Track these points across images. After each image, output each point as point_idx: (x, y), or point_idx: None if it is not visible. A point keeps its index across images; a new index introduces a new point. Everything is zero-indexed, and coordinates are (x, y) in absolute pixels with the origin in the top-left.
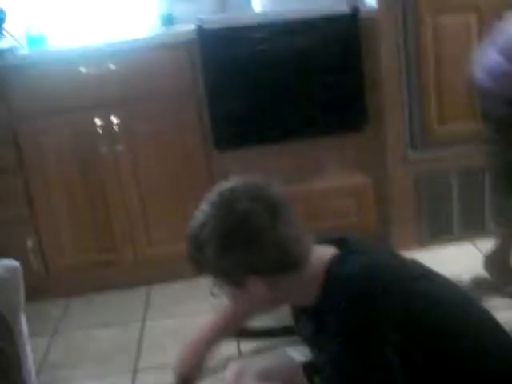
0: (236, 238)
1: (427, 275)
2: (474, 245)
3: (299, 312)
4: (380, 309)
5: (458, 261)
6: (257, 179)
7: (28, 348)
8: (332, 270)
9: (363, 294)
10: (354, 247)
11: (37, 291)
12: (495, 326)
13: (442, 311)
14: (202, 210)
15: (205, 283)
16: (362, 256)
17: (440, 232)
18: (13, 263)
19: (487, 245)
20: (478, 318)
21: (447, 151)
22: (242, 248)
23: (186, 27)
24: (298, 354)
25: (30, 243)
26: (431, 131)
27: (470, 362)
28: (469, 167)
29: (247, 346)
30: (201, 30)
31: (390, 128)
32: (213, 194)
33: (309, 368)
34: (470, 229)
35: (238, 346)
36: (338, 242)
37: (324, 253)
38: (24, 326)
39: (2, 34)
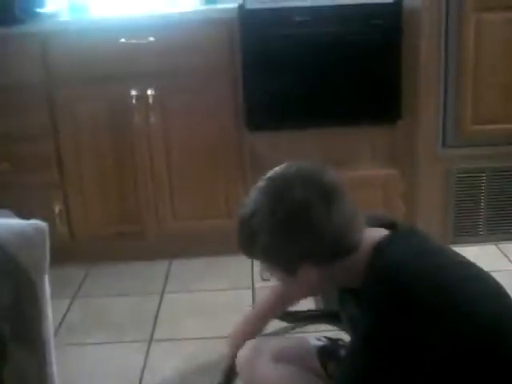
0: (290, 226)
1: (470, 276)
2: (499, 248)
3: (344, 293)
4: (409, 308)
5: (480, 262)
6: (310, 164)
7: (49, 310)
8: (373, 259)
9: (396, 290)
10: (402, 235)
11: (60, 255)
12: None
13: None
14: (254, 196)
15: (225, 261)
16: (405, 249)
17: (465, 232)
18: (40, 224)
19: None
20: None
21: (479, 151)
22: (297, 237)
23: (229, 6)
24: (314, 338)
25: (57, 208)
26: (465, 130)
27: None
28: (500, 169)
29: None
30: (242, 9)
31: (423, 123)
32: (265, 181)
33: (323, 354)
34: (496, 231)
35: None
36: (389, 226)
37: (373, 237)
38: (47, 288)
39: None
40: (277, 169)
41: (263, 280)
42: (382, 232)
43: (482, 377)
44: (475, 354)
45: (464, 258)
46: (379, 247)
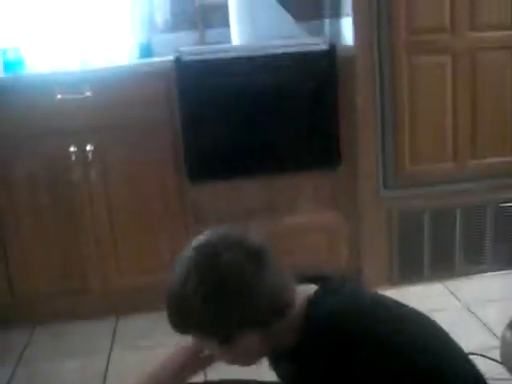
0: (222, 292)
1: (404, 320)
2: (445, 285)
3: (278, 356)
4: (354, 357)
5: (427, 300)
6: (233, 229)
7: None
8: (310, 312)
9: (327, 342)
10: (334, 287)
11: (1, 318)
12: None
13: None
14: (180, 268)
15: None
16: (335, 298)
17: (410, 271)
18: None
19: (457, 286)
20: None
21: (419, 191)
22: (230, 302)
23: (165, 58)
24: None
25: None
26: (404, 171)
27: None
28: (440, 207)
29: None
30: (179, 61)
31: (363, 166)
32: (190, 250)
33: None
34: (440, 269)
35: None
36: (320, 280)
37: (305, 292)
38: None
39: None
40: (200, 237)
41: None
42: (313, 287)
43: None
44: None
45: (395, 300)
46: (313, 300)
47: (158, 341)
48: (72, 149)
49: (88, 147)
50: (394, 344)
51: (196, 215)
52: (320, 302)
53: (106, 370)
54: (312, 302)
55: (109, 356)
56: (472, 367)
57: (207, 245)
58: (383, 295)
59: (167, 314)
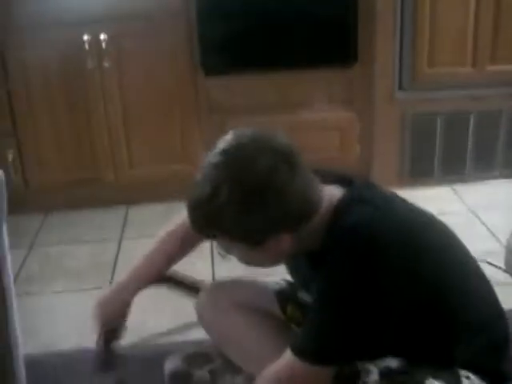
0: (258, 197)
1: (432, 225)
2: (454, 190)
3: (297, 260)
4: (377, 269)
5: (435, 203)
6: (261, 130)
7: (8, 259)
8: (337, 219)
9: (363, 253)
10: (360, 193)
11: (15, 205)
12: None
13: (444, 268)
14: (210, 173)
15: (182, 207)
16: (367, 206)
17: (421, 173)
18: None
19: (466, 190)
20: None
21: (435, 94)
22: (267, 207)
23: None
24: (273, 282)
25: (10, 156)
26: (421, 73)
27: (460, 314)
28: (455, 112)
29: (222, 270)
30: None
31: (379, 66)
32: (218, 155)
33: (282, 297)
34: (451, 173)
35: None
36: (344, 183)
37: (331, 195)
38: (6, 238)
39: None
40: (228, 140)
41: (221, 256)
42: (338, 189)
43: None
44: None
45: (413, 205)
46: (341, 207)
47: None
48: (86, 37)
49: (102, 36)
50: (426, 268)
51: (209, 108)
52: (348, 210)
53: (117, 257)
54: (339, 208)
55: (119, 244)
56: (495, 299)
57: (238, 148)
58: (413, 204)
59: (192, 219)
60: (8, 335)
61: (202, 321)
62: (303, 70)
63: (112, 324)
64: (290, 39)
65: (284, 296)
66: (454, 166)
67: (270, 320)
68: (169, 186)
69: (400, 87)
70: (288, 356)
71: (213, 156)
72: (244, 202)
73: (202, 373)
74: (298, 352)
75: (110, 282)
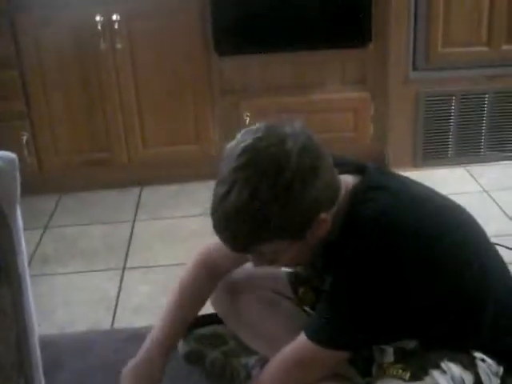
0: (298, 188)
1: (449, 208)
2: (468, 170)
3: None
4: (399, 257)
5: (448, 183)
6: (271, 122)
7: (22, 241)
8: (355, 208)
9: (383, 241)
10: (375, 180)
11: (29, 187)
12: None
13: (465, 253)
14: (237, 179)
15: (195, 187)
16: (385, 193)
17: (435, 154)
18: (9, 154)
19: (480, 171)
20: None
21: (449, 74)
22: (306, 195)
23: None
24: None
25: (24, 138)
26: (435, 53)
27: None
28: (469, 92)
29: None
30: None
31: (393, 46)
32: (238, 156)
33: (294, 278)
34: (465, 154)
35: None
36: (357, 170)
37: (346, 183)
38: (19, 219)
39: None
40: (244, 138)
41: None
42: (351, 177)
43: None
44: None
45: (428, 188)
46: (356, 193)
47: (180, 211)
48: (98, 18)
49: (114, 17)
50: (446, 252)
51: (222, 89)
52: (365, 198)
53: (130, 237)
54: (356, 196)
55: (133, 225)
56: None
57: (258, 143)
58: (428, 188)
59: (232, 235)
60: (23, 316)
61: (216, 309)
62: (317, 50)
63: None
64: (304, 19)
65: (296, 278)
66: (469, 147)
67: (282, 301)
68: (182, 167)
69: (414, 67)
70: (303, 339)
71: (234, 159)
72: (285, 193)
73: (215, 354)
74: (313, 336)
75: (124, 269)
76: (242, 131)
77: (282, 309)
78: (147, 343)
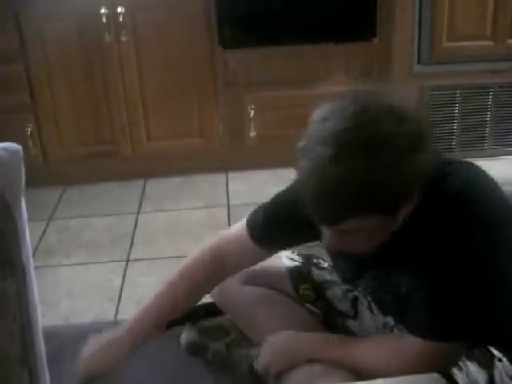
0: (411, 157)
1: None
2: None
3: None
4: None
5: None
6: (377, 89)
7: (27, 232)
8: (433, 185)
9: (484, 215)
10: (445, 156)
11: (34, 178)
12: None
13: None
14: (348, 140)
15: (199, 180)
16: (462, 167)
17: (439, 148)
18: (14, 146)
19: (485, 166)
20: None
21: (454, 68)
22: (417, 162)
23: None
24: (286, 258)
25: (29, 130)
26: (440, 47)
27: None
28: (474, 86)
29: None
30: None
31: (398, 40)
32: (350, 118)
33: (295, 275)
34: (469, 149)
35: None
36: None
37: None
38: (24, 211)
39: None
40: (352, 101)
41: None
42: None
43: None
44: None
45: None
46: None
47: (184, 203)
48: (103, 11)
49: (119, 9)
50: None
51: (226, 82)
52: (442, 174)
53: (134, 229)
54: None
55: (137, 217)
56: None
57: (370, 102)
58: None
59: (326, 202)
60: (27, 308)
61: (214, 298)
62: (322, 43)
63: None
64: (309, 13)
65: (297, 274)
66: (473, 141)
67: (281, 297)
68: (186, 159)
69: (419, 61)
70: (417, 341)
71: (345, 120)
72: (398, 163)
73: (217, 345)
74: (430, 334)
75: (128, 261)
76: (347, 93)
77: (282, 305)
78: (129, 321)
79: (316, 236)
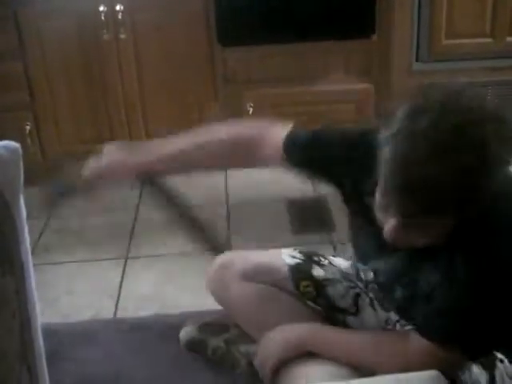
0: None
1: None
2: None
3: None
4: None
5: None
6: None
7: (26, 230)
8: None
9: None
10: None
11: (32, 176)
12: None
13: None
14: (430, 143)
15: (199, 178)
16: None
17: None
18: (12, 144)
19: None
20: None
21: (452, 65)
22: (490, 170)
23: None
24: (288, 255)
25: (28, 128)
26: (438, 44)
27: None
28: (473, 83)
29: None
30: None
31: (397, 37)
32: (434, 125)
33: (296, 272)
34: None
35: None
36: None
37: None
38: (23, 208)
39: None
40: (435, 97)
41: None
42: None
43: None
44: None
45: None
46: None
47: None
48: (102, 8)
49: (118, 7)
50: None
51: (225, 79)
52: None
53: (133, 226)
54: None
55: (136, 212)
56: None
57: (456, 101)
58: None
59: (411, 197)
60: (26, 305)
61: (213, 294)
62: (321, 41)
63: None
64: (308, 10)
65: (298, 272)
66: None
67: (282, 294)
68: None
69: (418, 59)
70: (423, 342)
71: (424, 130)
72: (491, 165)
73: (217, 342)
74: (441, 337)
75: (127, 258)
76: (425, 90)
77: (282, 302)
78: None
79: (341, 175)
